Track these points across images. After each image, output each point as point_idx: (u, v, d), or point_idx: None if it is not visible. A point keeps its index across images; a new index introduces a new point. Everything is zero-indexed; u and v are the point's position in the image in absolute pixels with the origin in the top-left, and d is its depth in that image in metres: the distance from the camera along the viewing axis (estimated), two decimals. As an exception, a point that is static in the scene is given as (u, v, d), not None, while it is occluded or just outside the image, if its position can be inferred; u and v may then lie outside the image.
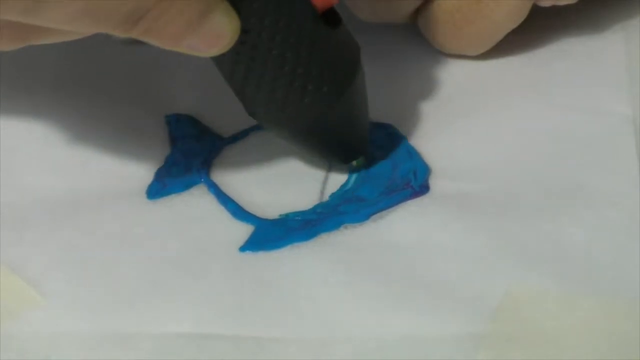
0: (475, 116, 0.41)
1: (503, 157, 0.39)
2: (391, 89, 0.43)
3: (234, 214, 0.39)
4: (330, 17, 0.37)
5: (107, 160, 0.41)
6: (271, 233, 0.37)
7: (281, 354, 0.33)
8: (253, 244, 0.37)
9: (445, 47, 0.44)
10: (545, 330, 0.33)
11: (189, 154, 0.41)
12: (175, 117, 0.43)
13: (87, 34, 0.35)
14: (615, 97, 0.41)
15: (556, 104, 0.41)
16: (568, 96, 0.42)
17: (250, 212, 0.39)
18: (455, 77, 0.43)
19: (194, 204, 0.39)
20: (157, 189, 0.40)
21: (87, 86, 0.45)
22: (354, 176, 0.40)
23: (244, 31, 0.35)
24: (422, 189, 0.38)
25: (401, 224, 0.37)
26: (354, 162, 0.40)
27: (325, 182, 0.40)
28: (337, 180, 0.40)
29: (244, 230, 0.38)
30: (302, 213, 0.38)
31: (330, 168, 0.40)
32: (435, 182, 0.39)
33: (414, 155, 0.40)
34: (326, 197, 0.39)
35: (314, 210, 0.38)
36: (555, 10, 0.43)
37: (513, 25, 0.42)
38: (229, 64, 0.37)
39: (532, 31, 0.44)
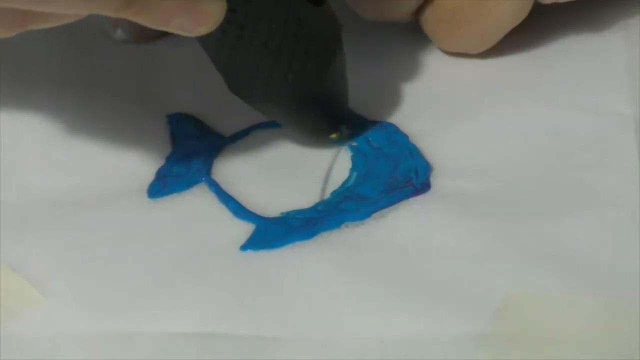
0: (476, 115, 0.41)
1: (504, 155, 0.39)
2: (392, 87, 0.43)
3: (235, 212, 0.39)
4: None
5: (108, 159, 0.41)
6: (272, 232, 0.37)
7: (282, 354, 0.33)
8: (254, 243, 0.37)
9: (446, 46, 0.44)
10: (546, 331, 0.33)
11: (190, 153, 0.41)
12: (176, 116, 0.43)
13: (82, 16, 0.35)
14: (615, 96, 0.41)
15: (556, 104, 0.41)
16: (568, 95, 0.41)
17: (251, 210, 0.38)
18: (456, 75, 0.43)
19: (195, 203, 0.39)
20: (158, 188, 0.40)
21: (88, 85, 0.45)
22: (355, 174, 0.40)
23: (231, 10, 0.36)
24: (424, 187, 0.38)
25: (402, 222, 0.37)
26: (334, 135, 0.40)
27: (326, 180, 0.40)
28: (339, 178, 0.40)
29: (245, 229, 0.38)
30: (303, 211, 0.38)
31: (331, 166, 0.40)
32: (436, 181, 0.39)
33: (415, 153, 0.40)
34: (327, 195, 0.39)
35: (315, 208, 0.38)
36: (556, 9, 0.43)
37: (514, 23, 0.42)
38: (215, 42, 0.37)
39: (533, 30, 0.44)
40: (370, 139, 0.41)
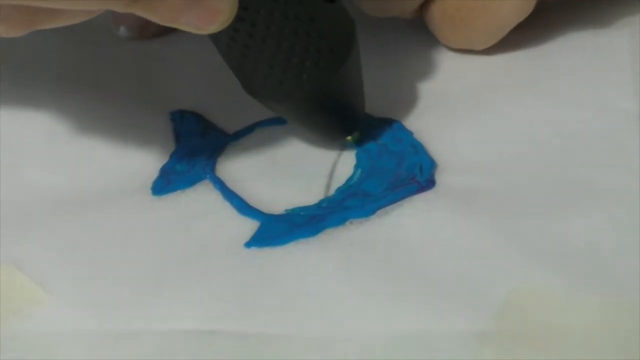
0: (481, 111, 0.41)
1: (509, 152, 0.39)
2: (397, 83, 0.43)
3: (239, 209, 0.39)
4: None
5: (112, 157, 0.41)
6: (276, 229, 0.37)
7: (286, 351, 0.33)
8: (258, 240, 0.37)
9: (451, 42, 0.44)
10: (550, 328, 0.33)
11: (193, 151, 0.41)
12: (180, 113, 0.43)
13: (92, 15, 0.35)
14: (620, 93, 0.41)
15: (561, 100, 0.41)
16: (573, 92, 0.41)
17: (256, 207, 0.38)
18: (461, 71, 0.43)
19: (199, 200, 0.39)
20: (162, 186, 0.40)
21: (91, 83, 0.45)
22: (359, 170, 0.40)
23: (242, 8, 0.35)
24: (428, 183, 0.38)
25: (407, 219, 0.37)
26: (349, 137, 0.40)
27: (330, 177, 0.40)
28: (343, 175, 0.40)
29: (250, 226, 0.38)
30: (308, 208, 0.38)
31: (336, 163, 0.40)
32: (441, 177, 0.39)
33: (419, 150, 0.40)
34: (332, 192, 0.39)
35: (319, 205, 0.38)
36: (560, 5, 0.43)
37: (519, 19, 0.42)
38: (227, 41, 0.37)
39: (538, 26, 0.44)
40: (375, 135, 0.41)
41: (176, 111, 0.43)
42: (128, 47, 0.47)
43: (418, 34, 0.45)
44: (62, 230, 0.38)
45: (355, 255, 0.36)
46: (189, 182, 0.40)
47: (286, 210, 0.38)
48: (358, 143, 0.40)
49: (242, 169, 0.40)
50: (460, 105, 0.42)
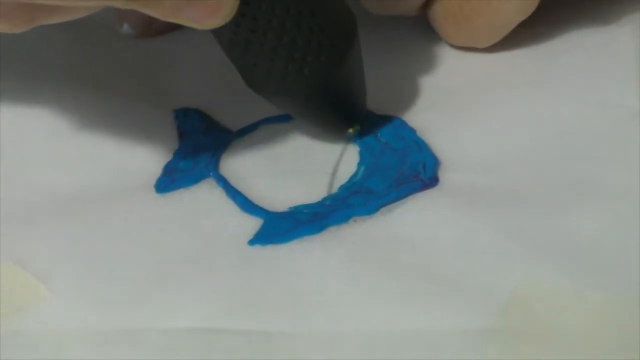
0: (484, 109, 0.41)
1: (512, 149, 0.39)
2: (400, 81, 0.43)
3: (242, 207, 0.39)
4: None
5: (115, 154, 0.41)
6: (280, 226, 0.37)
7: (290, 348, 0.33)
8: (262, 238, 0.37)
9: (454, 40, 0.44)
10: (554, 325, 0.33)
11: (197, 148, 0.41)
12: (183, 111, 0.43)
13: (91, 11, 0.35)
14: (623, 90, 0.41)
15: (564, 97, 0.41)
16: (576, 89, 0.41)
17: (259, 205, 0.38)
18: (464, 69, 0.43)
19: (203, 198, 0.39)
20: (166, 184, 0.40)
21: (95, 81, 0.45)
22: (362, 168, 0.40)
23: (244, 2, 0.35)
24: (432, 181, 0.38)
25: (410, 216, 0.37)
26: (351, 130, 0.40)
27: (333, 174, 0.40)
28: (346, 172, 0.40)
29: (253, 224, 0.38)
30: (311, 206, 0.38)
31: (339, 160, 0.40)
32: (444, 175, 0.39)
33: (422, 147, 0.40)
34: (335, 190, 0.39)
35: (322, 203, 0.38)
36: (563, 3, 0.43)
37: (522, 17, 0.42)
38: (229, 36, 0.37)
39: (541, 24, 0.44)
40: (377, 133, 0.41)
41: (180, 109, 0.43)
42: (131, 45, 0.47)
43: (421, 31, 0.45)
44: (65, 228, 0.38)
45: (358, 253, 0.36)
46: (193, 180, 0.40)
47: (289, 208, 0.38)
48: (359, 136, 0.41)
49: (245, 166, 0.40)
50: (463, 102, 0.42)
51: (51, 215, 0.39)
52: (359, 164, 0.40)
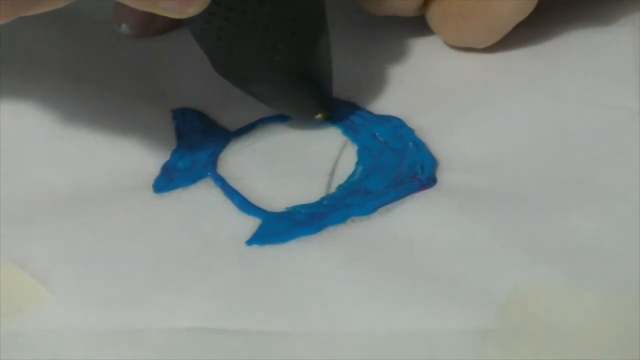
0: (482, 109, 0.41)
1: (510, 150, 0.39)
2: (398, 81, 0.43)
3: (240, 207, 0.38)
4: None
5: (114, 154, 0.41)
6: (278, 226, 0.37)
7: (288, 348, 0.33)
8: (260, 238, 0.37)
9: (453, 40, 0.44)
10: (552, 326, 0.33)
11: (195, 148, 0.41)
12: (181, 111, 0.43)
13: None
14: (622, 90, 0.41)
15: (563, 98, 0.41)
16: (575, 89, 0.41)
17: (257, 205, 0.38)
18: (463, 69, 0.43)
19: (201, 198, 0.39)
20: (164, 183, 0.40)
21: (94, 80, 0.45)
22: (361, 168, 0.40)
23: None
24: (430, 181, 0.38)
25: (408, 216, 0.37)
26: (319, 116, 0.41)
27: (332, 174, 0.40)
28: (344, 172, 0.40)
29: (251, 224, 0.38)
30: (309, 206, 0.38)
31: (337, 160, 0.40)
32: (442, 175, 0.39)
33: (421, 147, 0.40)
34: (333, 190, 0.39)
35: (320, 203, 0.38)
36: (562, 3, 0.43)
37: (520, 18, 0.42)
38: (202, 24, 0.38)
39: (540, 24, 0.44)
40: (376, 133, 0.41)
41: (178, 109, 0.43)
42: (130, 45, 0.47)
43: (419, 32, 0.45)
44: (63, 228, 0.38)
45: (356, 253, 0.36)
46: (191, 179, 0.40)
47: (287, 208, 0.38)
48: (326, 120, 0.41)
49: (243, 166, 0.40)
50: (462, 102, 0.42)
51: (50, 215, 0.39)
52: (357, 164, 0.40)
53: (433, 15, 0.44)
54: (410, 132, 0.41)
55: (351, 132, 0.41)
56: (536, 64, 0.43)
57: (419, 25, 0.44)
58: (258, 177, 0.40)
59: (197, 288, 0.35)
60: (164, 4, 0.35)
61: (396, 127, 0.41)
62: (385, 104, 0.42)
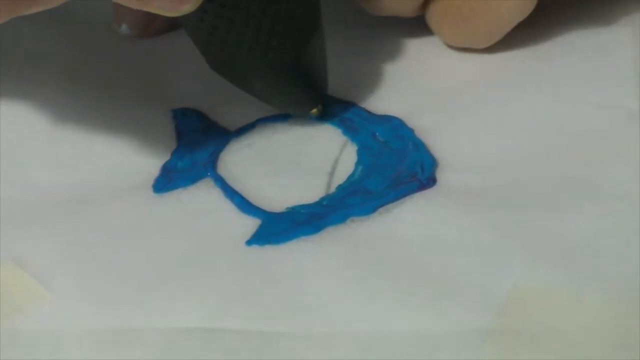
0: (482, 109, 0.41)
1: (509, 150, 0.39)
2: (398, 82, 0.43)
3: (240, 207, 0.38)
4: None
5: (113, 154, 0.41)
6: (278, 226, 0.37)
7: (288, 348, 0.33)
8: (260, 238, 0.37)
9: (452, 40, 0.44)
10: (552, 326, 0.33)
11: (195, 148, 0.41)
12: (181, 111, 0.43)
13: None
14: (621, 91, 0.41)
15: (562, 98, 0.41)
16: (574, 90, 0.41)
17: (257, 205, 0.38)
18: (462, 70, 0.43)
19: (201, 198, 0.39)
20: (164, 183, 0.40)
21: (93, 80, 0.45)
22: (360, 168, 0.40)
23: None
24: (429, 181, 0.38)
25: (408, 217, 0.37)
26: (314, 110, 0.41)
27: (331, 174, 0.40)
28: (344, 172, 0.40)
29: (251, 224, 0.38)
30: (309, 206, 0.38)
31: (337, 160, 0.40)
32: (442, 175, 0.39)
33: (420, 148, 0.40)
34: (332, 190, 0.39)
35: (320, 203, 0.38)
36: (562, 3, 0.43)
37: (520, 18, 0.42)
38: (195, 21, 0.38)
39: (539, 25, 0.44)
40: (375, 132, 0.41)
41: (177, 109, 0.43)
42: (130, 45, 0.47)
43: (419, 32, 0.45)
44: (63, 227, 0.38)
45: (356, 253, 0.36)
46: (191, 179, 0.40)
47: (287, 208, 0.38)
48: (321, 115, 0.41)
49: (243, 166, 0.40)
50: (461, 103, 0.42)
51: (50, 216, 0.39)
52: (357, 164, 0.40)
53: (432, 16, 0.44)
54: (410, 132, 0.41)
55: (351, 132, 0.41)
56: (536, 64, 0.43)
57: (419, 25, 0.44)
58: (258, 177, 0.40)
59: (196, 288, 0.35)
60: (157, 3, 0.35)
61: (396, 127, 0.41)
62: (385, 104, 0.42)
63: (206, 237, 0.37)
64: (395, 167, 0.39)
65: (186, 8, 0.35)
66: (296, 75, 0.40)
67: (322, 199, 0.39)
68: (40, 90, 0.44)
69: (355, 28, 0.45)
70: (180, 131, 0.42)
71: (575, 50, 0.43)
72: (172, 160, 0.41)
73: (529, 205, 0.37)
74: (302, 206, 0.38)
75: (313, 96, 0.41)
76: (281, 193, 0.39)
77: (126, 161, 0.41)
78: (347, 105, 0.42)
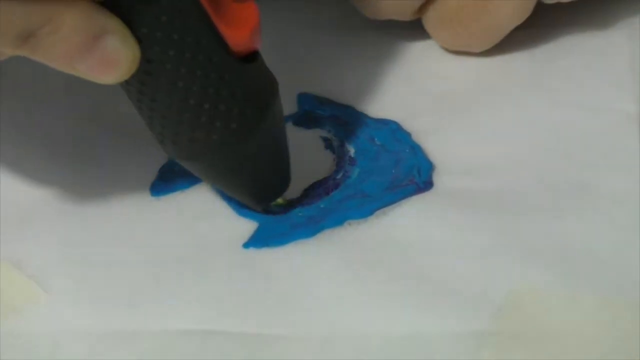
0: (479, 113, 0.41)
1: (507, 154, 0.39)
2: (395, 85, 0.43)
3: (237, 210, 0.38)
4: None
5: (111, 157, 0.41)
6: (275, 229, 0.37)
7: (285, 351, 0.33)
8: (257, 241, 0.37)
9: (450, 44, 0.44)
10: (548, 329, 0.33)
11: (192, 151, 0.41)
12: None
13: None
14: (619, 94, 0.41)
15: (560, 101, 0.41)
16: (572, 93, 0.41)
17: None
18: (459, 73, 0.43)
19: (198, 201, 0.39)
20: (161, 186, 0.40)
21: (91, 83, 0.45)
22: (357, 170, 0.40)
23: (147, 61, 0.33)
24: (426, 185, 0.38)
25: (405, 220, 0.37)
26: (279, 200, 0.38)
27: (329, 177, 0.40)
28: (341, 175, 0.40)
29: (248, 227, 0.38)
30: (306, 209, 0.38)
31: (334, 163, 0.40)
32: (438, 179, 0.39)
33: (417, 151, 0.40)
34: (330, 193, 0.39)
35: (317, 206, 0.38)
36: (559, 7, 0.43)
37: (517, 22, 0.42)
38: (136, 95, 0.35)
39: (536, 28, 0.44)
40: (373, 136, 0.41)
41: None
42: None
43: (416, 36, 0.45)
44: (60, 229, 0.38)
45: (353, 256, 0.36)
46: (188, 182, 0.40)
47: (284, 210, 0.38)
48: (284, 210, 0.39)
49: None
50: (458, 106, 0.42)
51: (46, 217, 0.39)
52: (354, 167, 0.40)
53: (430, 20, 0.44)
54: (407, 135, 0.41)
55: (348, 135, 0.41)
56: (533, 67, 0.43)
57: (416, 29, 0.44)
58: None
59: (193, 290, 0.35)
60: (80, 67, 0.33)
61: (393, 131, 0.41)
62: (382, 108, 0.42)
63: (203, 240, 0.37)
64: (392, 171, 0.39)
65: (109, 79, 0.33)
66: (246, 162, 0.36)
67: (320, 202, 0.39)
68: (40, 91, 0.44)
69: (353, 32, 0.45)
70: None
71: (572, 54, 0.43)
72: (170, 163, 0.41)
73: (525, 208, 0.37)
74: (300, 209, 0.38)
75: (270, 186, 0.38)
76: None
77: (124, 164, 0.41)
78: (345, 108, 0.42)
